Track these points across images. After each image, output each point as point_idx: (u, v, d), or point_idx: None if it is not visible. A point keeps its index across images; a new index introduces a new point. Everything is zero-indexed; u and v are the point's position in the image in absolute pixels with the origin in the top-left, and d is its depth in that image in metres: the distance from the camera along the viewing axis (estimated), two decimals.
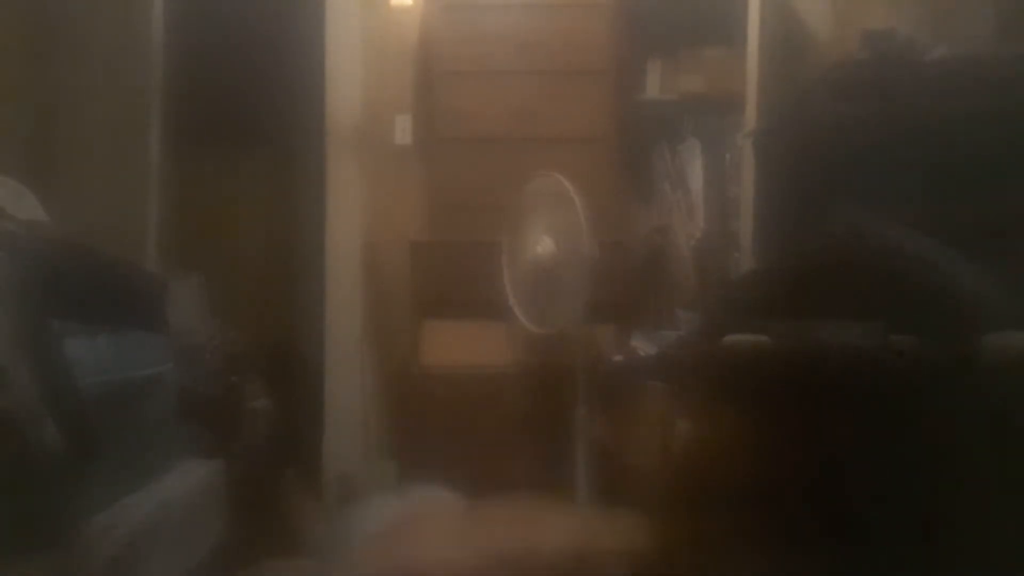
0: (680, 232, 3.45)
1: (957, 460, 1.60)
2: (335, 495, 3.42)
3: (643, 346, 2.81)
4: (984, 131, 1.85)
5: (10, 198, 2.12)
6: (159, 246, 3.50)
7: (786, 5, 3.40)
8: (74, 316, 1.82)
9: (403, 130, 3.74)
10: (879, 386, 1.68)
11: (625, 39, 3.53)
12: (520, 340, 3.15)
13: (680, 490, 1.92)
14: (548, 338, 3.01)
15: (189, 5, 3.63)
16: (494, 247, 3.12)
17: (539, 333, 3.01)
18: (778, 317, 1.84)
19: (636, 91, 3.62)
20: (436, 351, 3.34)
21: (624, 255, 3.30)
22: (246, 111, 3.94)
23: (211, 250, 3.84)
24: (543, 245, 2.95)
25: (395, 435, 3.51)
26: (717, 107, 3.51)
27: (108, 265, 2.10)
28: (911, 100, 1.96)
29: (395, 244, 3.63)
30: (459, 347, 3.30)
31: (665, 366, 2.31)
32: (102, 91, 3.30)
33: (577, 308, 2.87)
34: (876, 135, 1.96)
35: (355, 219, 3.69)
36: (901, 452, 1.65)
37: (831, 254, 1.86)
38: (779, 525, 1.77)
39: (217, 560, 2.26)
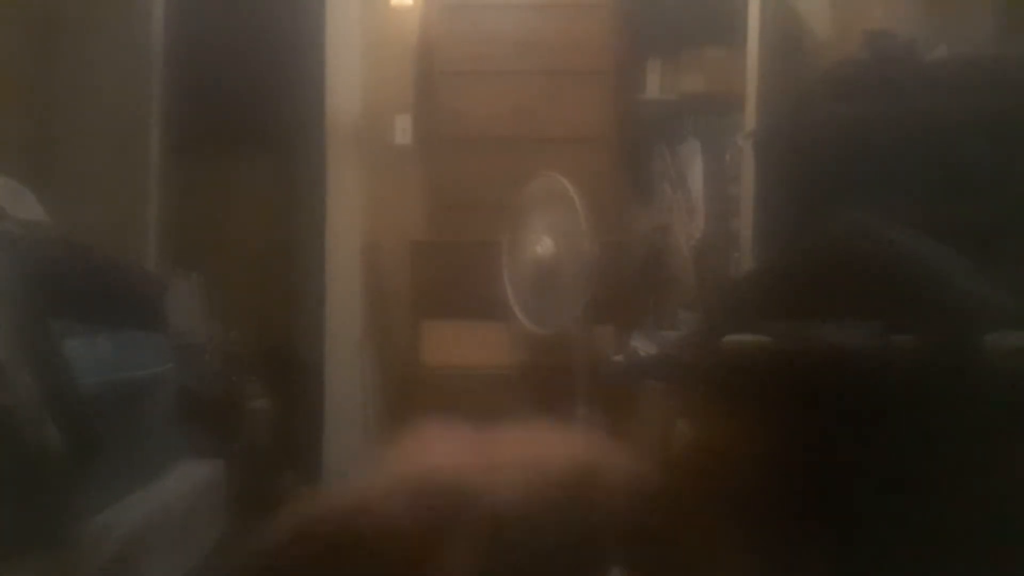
0: (680, 232, 3.44)
1: (957, 460, 1.60)
2: None
3: (643, 346, 2.80)
4: (984, 131, 1.85)
5: (10, 198, 2.11)
6: (159, 246, 3.50)
7: (786, 5, 3.40)
8: (74, 316, 1.82)
9: (403, 130, 3.74)
10: (879, 386, 1.68)
11: (625, 39, 3.52)
12: (520, 340, 3.15)
13: (679, 491, 1.92)
14: (548, 338, 3.01)
15: (189, 5, 3.63)
16: (494, 247, 3.11)
17: (539, 333, 3.01)
18: (779, 317, 1.84)
19: (636, 91, 3.62)
20: (436, 351, 3.34)
21: (624, 255, 3.29)
22: (246, 111, 3.94)
23: (211, 250, 3.84)
24: (543, 245, 2.95)
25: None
26: (717, 107, 3.51)
27: (108, 265, 2.10)
28: (911, 100, 1.95)
29: (395, 244, 3.62)
30: (459, 347, 3.30)
31: (665, 366, 2.31)
32: (102, 91, 3.31)
33: (577, 308, 2.87)
34: (876, 135, 1.96)
35: (355, 219, 3.69)
36: (901, 452, 1.65)
37: (831, 254, 1.85)
38: (779, 526, 1.77)
39: (217, 560, 2.26)
